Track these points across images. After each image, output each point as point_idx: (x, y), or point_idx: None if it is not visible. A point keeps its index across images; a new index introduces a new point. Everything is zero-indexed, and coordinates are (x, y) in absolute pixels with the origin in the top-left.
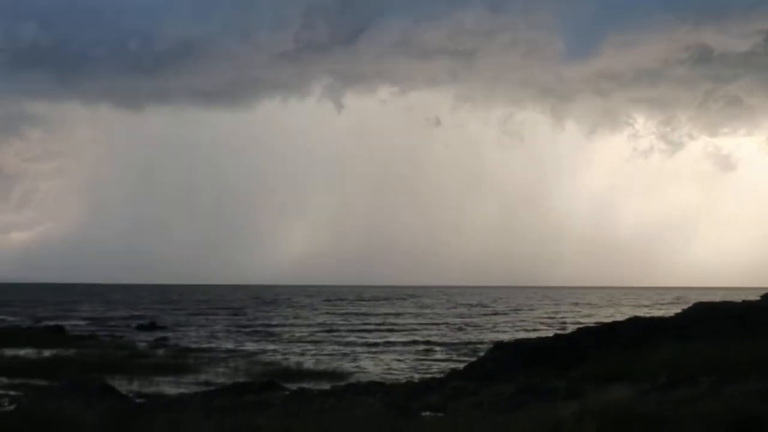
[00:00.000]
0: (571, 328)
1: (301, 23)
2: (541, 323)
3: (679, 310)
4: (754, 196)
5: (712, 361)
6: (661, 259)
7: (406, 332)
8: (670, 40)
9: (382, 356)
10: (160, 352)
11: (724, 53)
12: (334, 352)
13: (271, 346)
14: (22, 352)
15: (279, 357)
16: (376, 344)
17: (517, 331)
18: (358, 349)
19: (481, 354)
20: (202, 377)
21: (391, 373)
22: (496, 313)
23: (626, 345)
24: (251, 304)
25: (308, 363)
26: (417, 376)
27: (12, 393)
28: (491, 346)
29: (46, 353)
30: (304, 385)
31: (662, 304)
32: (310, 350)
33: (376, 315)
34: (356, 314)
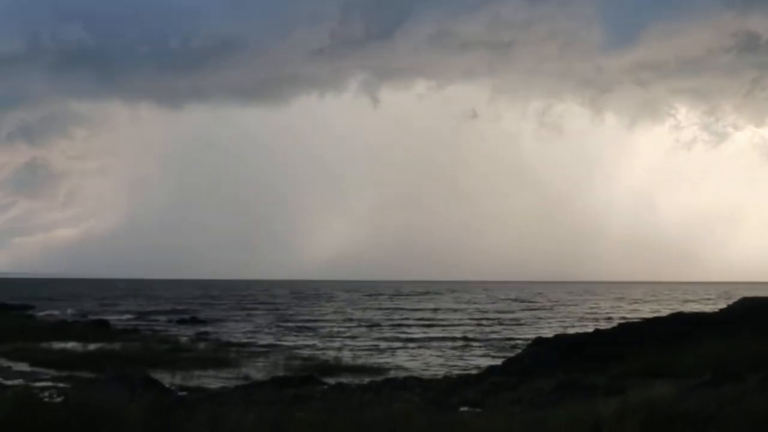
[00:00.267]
0: (612, 324)
1: (338, 19)
2: (582, 319)
3: (724, 306)
4: None
5: (760, 357)
6: (706, 254)
7: (444, 327)
8: (715, 28)
9: (420, 351)
10: (201, 346)
11: None
12: (373, 347)
13: (310, 341)
14: (68, 345)
15: (318, 352)
16: (414, 339)
17: (557, 326)
18: (397, 344)
19: (520, 350)
20: (243, 371)
21: (429, 369)
22: (535, 309)
23: (669, 341)
24: (291, 300)
25: (346, 358)
26: (455, 371)
27: (60, 385)
28: (530, 341)
29: (92, 347)
30: (343, 379)
31: (708, 300)
32: (349, 345)
33: (415, 310)
34: (394, 309)
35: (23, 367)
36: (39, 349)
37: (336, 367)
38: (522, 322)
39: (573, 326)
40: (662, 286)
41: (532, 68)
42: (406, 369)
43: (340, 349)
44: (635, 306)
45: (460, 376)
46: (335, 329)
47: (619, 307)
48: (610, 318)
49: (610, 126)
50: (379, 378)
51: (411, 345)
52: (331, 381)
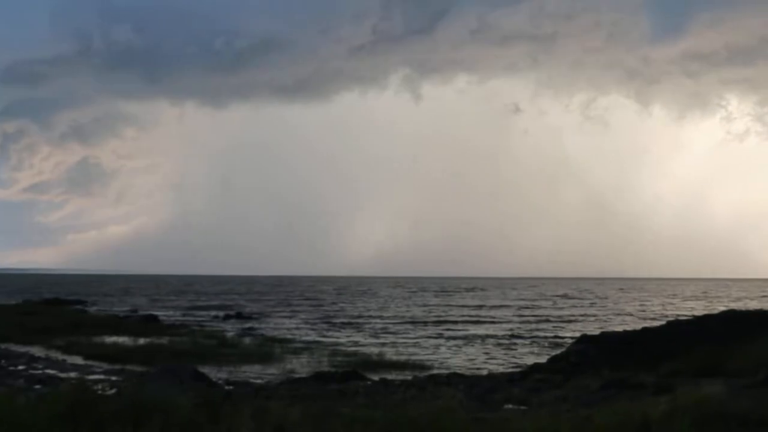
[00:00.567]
0: (661, 321)
1: (380, 15)
2: (630, 316)
3: None
4: None
5: None
6: (760, 250)
7: (488, 324)
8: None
9: (464, 348)
10: (247, 341)
11: None
12: (416, 343)
13: (354, 337)
14: (120, 339)
15: (362, 347)
16: (458, 336)
17: (604, 323)
18: (440, 340)
19: (566, 347)
20: (287, 366)
21: (473, 365)
22: (582, 305)
23: (720, 339)
24: (335, 296)
25: (390, 354)
26: (500, 368)
27: (112, 378)
28: (576, 338)
29: (142, 341)
30: (386, 375)
31: (762, 297)
32: (392, 341)
33: (459, 306)
34: (438, 305)
35: (77, 360)
36: (92, 343)
37: (379, 363)
38: (569, 319)
39: (624, 324)
40: (714, 283)
41: (576, 60)
42: (449, 365)
43: (383, 344)
44: (685, 303)
45: (504, 373)
46: (379, 325)
47: (669, 303)
48: (664, 315)
49: (658, 119)
50: (422, 374)
51: (455, 341)
52: (375, 377)
